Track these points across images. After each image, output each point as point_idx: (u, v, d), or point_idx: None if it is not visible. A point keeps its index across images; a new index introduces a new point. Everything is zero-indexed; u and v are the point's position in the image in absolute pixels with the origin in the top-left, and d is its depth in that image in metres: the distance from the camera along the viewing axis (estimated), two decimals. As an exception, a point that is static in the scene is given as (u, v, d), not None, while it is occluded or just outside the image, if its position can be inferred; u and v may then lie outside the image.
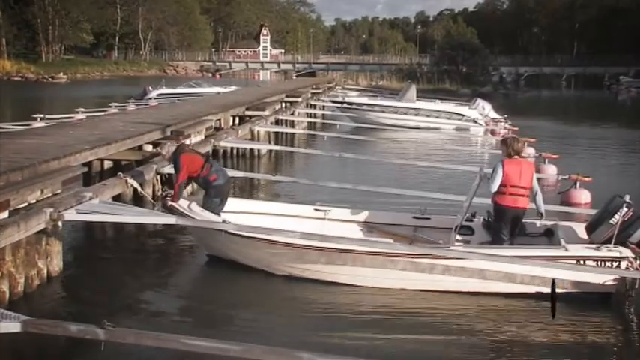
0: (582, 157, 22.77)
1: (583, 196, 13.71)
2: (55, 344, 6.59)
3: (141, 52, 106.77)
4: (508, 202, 8.85)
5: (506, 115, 30.36)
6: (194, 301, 8.68)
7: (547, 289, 8.00)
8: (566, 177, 14.67)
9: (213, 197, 9.76)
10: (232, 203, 10.34)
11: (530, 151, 21.08)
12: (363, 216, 10.29)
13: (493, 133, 27.95)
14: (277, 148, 19.94)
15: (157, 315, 8.12)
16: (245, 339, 6.12)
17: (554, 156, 18.26)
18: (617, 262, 8.20)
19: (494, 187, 8.82)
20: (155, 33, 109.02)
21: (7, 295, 7.83)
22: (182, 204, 9.41)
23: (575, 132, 33.39)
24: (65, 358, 6.64)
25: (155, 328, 6.04)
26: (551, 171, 17.22)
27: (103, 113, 22.28)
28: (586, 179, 14.04)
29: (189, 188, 11.56)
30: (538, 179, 16.76)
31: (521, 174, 8.87)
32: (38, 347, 6.64)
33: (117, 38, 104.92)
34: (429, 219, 10.01)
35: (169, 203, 9.38)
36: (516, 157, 9.04)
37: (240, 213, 9.97)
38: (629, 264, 8.16)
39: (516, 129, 26.84)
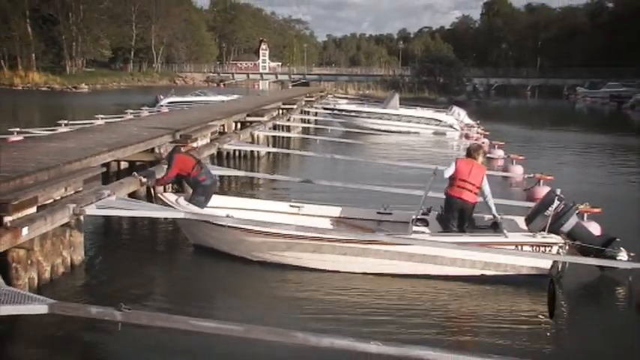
0: (545, 158, 22.80)
1: (545, 192, 13.73)
2: (77, 325, 6.59)
3: (153, 65, 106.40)
4: (455, 192, 9.05)
5: (478, 121, 30.46)
6: (197, 286, 8.67)
7: (491, 272, 8.47)
8: (532, 175, 14.74)
9: (200, 195, 9.95)
10: (216, 200, 10.40)
11: (499, 153, 21.18)
12: (333, 211, 10.37)
13: (467, 136, 28.00)
14: (275, 150, 19.97)
15: (166, 298, 8.15)
16: (238, 319, 6.13)
17: (521, 157, 18.33)
18: (550, 248, 8.44)
19: (447, 175, 9.08)
20: (166, 48, 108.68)
21: (36, 281, 7.86)
22: (170, 198, 9.60)
23: (539, 135, 33.51)
24: (87, 337, 6.63)
25: (165, 310, 6.05)
26: (518, 170, 17.26)
27: (119, 119, 22.18)
28: (548, 177, 14.10)
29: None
30: (506, 178, 16.97)
31: (471, 172, 9.07)
32: (63, 327, 6.63)
33: (132, 52, 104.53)
34: (390, 214, 10.10)
35: (158, 195, 9.71)
36: (470, 158, 9.32)
37: (224, 208, 9.98)
38: (560, 249, 8.39)
39: (488, 133, 26.93)
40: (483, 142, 24.78)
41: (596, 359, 6.13)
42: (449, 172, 9.09)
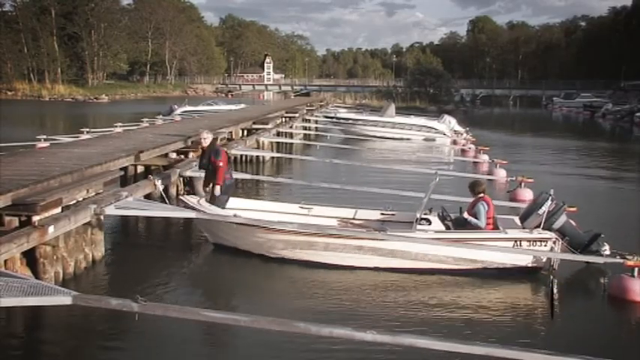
0: (526, 162, 22.75)
1: (527, 194, 13.71)
2: (98, 315, 6.60)
3: (167, 77, 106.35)
4: (492, 227, 8.94)
5: (467, 128, 30.39)
6: (207, 280, 8.69)
7: (491, 266, 8.46)
8: (514, 178, 14.71)
9: (223, 193, 9.77)
10: (231, 201, 10.30)
11: (484, 157, 21.15)
12: (340, 212, 10.26)
13: (455, 142, 28.02)
14: (278, 155, 19.97)
15: (179, 291, 8.12)
16: (248, 310, 6.12)
17: (504, 161, 18.31)
18: (545, 243, 8.45)
19: (484, 224, 8.85)
20: (179, 61, 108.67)
21: (61, 275, 7.87)
22: (192, 200, 9.48)
23: (520, 141, 33.51)
24: (106, 327, 6.63)
25: (178, 302, 6.04)
26: (501, 174, 17.23)
27: (136, 127, 22.18)
28: (529, 180, 14.07)
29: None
30: (491, 180, 16.97)
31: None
32: (85, 317, 6.64)
33: (148, 66, 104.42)
34: (393, 214, 10.00)
35: (181, 197, 9.74)
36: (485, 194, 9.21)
37: (238, 209, 9.90)
38: (554, 244, 8.43)
39: (474, 139, 26.89)
40: (470, 148, 24.80)
41: (574, 344, 6.15)
42: (484, 218, 8.86)
